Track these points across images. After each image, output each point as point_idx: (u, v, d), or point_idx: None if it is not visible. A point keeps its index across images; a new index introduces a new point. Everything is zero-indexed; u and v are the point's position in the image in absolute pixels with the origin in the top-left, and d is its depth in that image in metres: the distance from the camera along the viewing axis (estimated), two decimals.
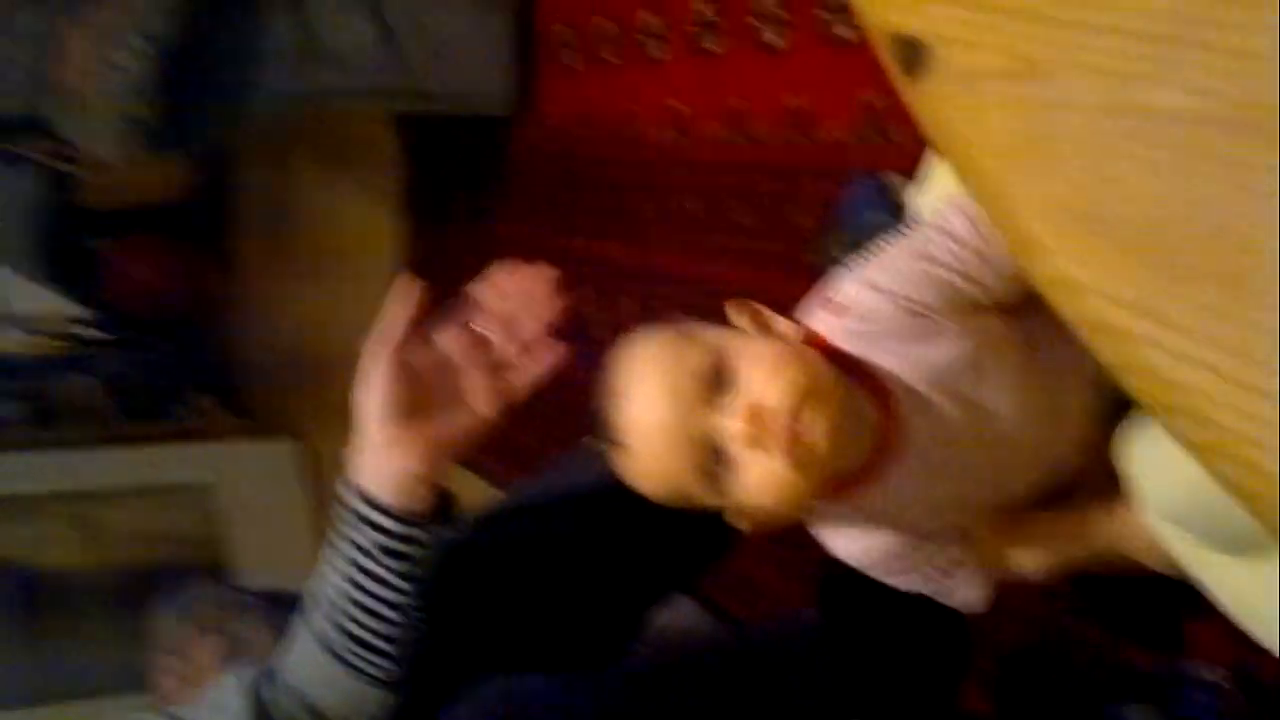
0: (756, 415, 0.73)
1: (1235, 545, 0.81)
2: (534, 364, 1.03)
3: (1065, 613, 1.22)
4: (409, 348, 0.99)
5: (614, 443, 0.79)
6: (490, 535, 1.11)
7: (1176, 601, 1.02)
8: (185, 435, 2.88)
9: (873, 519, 0.87)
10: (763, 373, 0.75)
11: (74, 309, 3.34)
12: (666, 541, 1.13)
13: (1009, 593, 1.26)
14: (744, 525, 0.83)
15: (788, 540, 1.39)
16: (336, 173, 2.88)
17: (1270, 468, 0.35)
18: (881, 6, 0.49)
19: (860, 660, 1.35)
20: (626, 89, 1.90)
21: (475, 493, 1.37)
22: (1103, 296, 0.39)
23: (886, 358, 0.83)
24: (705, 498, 0.79)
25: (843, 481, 0.84)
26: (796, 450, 0.73)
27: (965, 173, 0.44)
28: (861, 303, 0.83)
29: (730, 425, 0.74)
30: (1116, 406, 0.91)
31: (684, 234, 1.81)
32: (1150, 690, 1.01)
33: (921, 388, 0.82)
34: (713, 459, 0.76)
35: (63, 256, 3.09)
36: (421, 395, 0.99)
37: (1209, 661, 1.03)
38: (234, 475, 2.50)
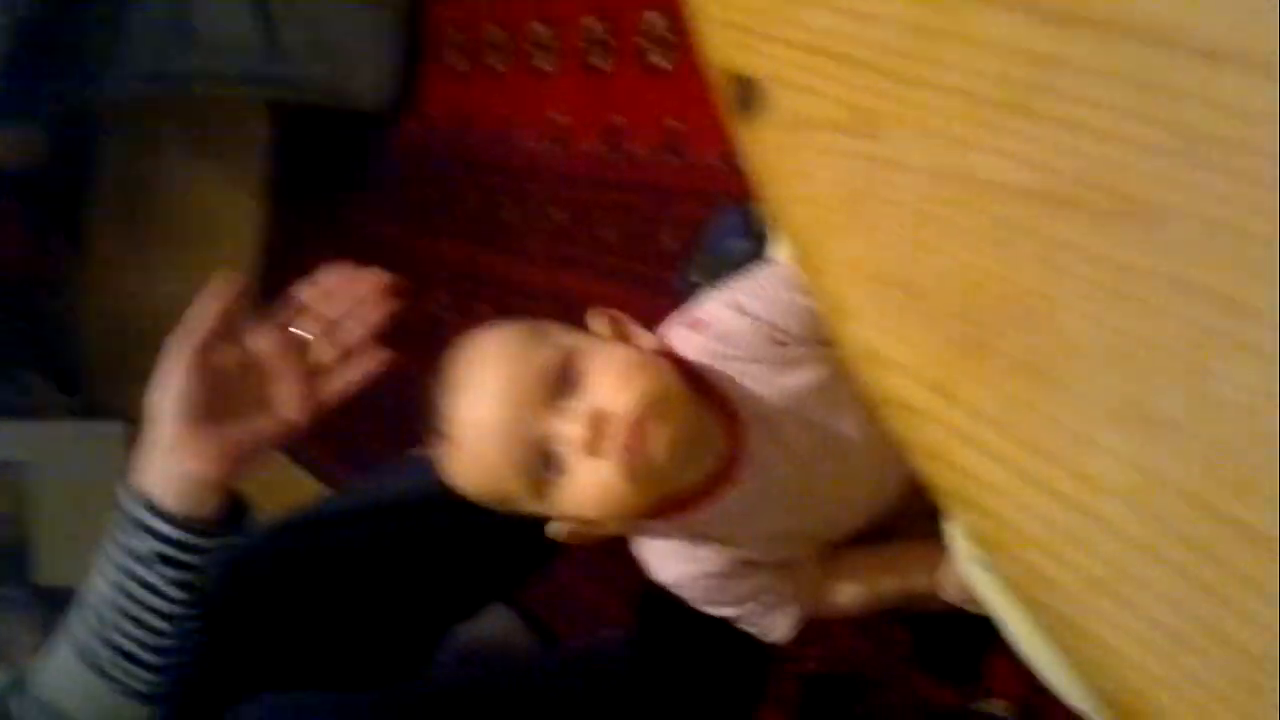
0: (598, 421, 0.71)
1: None
2: (350, 371, 0.98)
3: (871, 643, 1.22)
4: (215, 345, 0.92)
5: (440, 435, 0.75)
6: (286, 543, 1.05)
7: (977, 638, 1.02)
8: (6, 411, 2.72)
9: (700, 543, 0.85)
10: (612, 379, 0.73)
11: None
12: (483, 553, 1.08)
13: (817, 622, 1.26)
14: (564, 535, 0.80)
15: (613, 556, 1.35)
16: (205, 156, 2.77)
17: (1049, 572, 0.33)
18: (723, 41, 0.46)
19: (666, 680, 1.33)
20: (509, 97, 1.86)
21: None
22: (904, 372, 0.36)
23: (744, 380, 0.81)
24: (527, 502, 0.75)
25: (676, 501, 0.81)
26: (633, 460, 0.71)
27: (784, 223, 0.42)
28: (725, 323, 0.82)
29: (568, 429, 0.71)
30: None
31: (550, 246, 1.78)
32: None
33: (774, 414, 0.81)
34: (542, 463, 0.73)
35: None
36: (222, 396, 0.92)
37: (1001, 697, 1.03)
38: (53, 456, 2.36)
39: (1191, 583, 0.30)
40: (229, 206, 2.63)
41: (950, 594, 0.90)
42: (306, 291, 0.99)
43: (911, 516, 0.94)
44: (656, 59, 1.59)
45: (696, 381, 0.79)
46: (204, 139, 2.75)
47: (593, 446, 0.71)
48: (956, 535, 0.90)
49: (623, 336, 0.80)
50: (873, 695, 1.21)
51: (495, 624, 1.48)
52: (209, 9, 1.76)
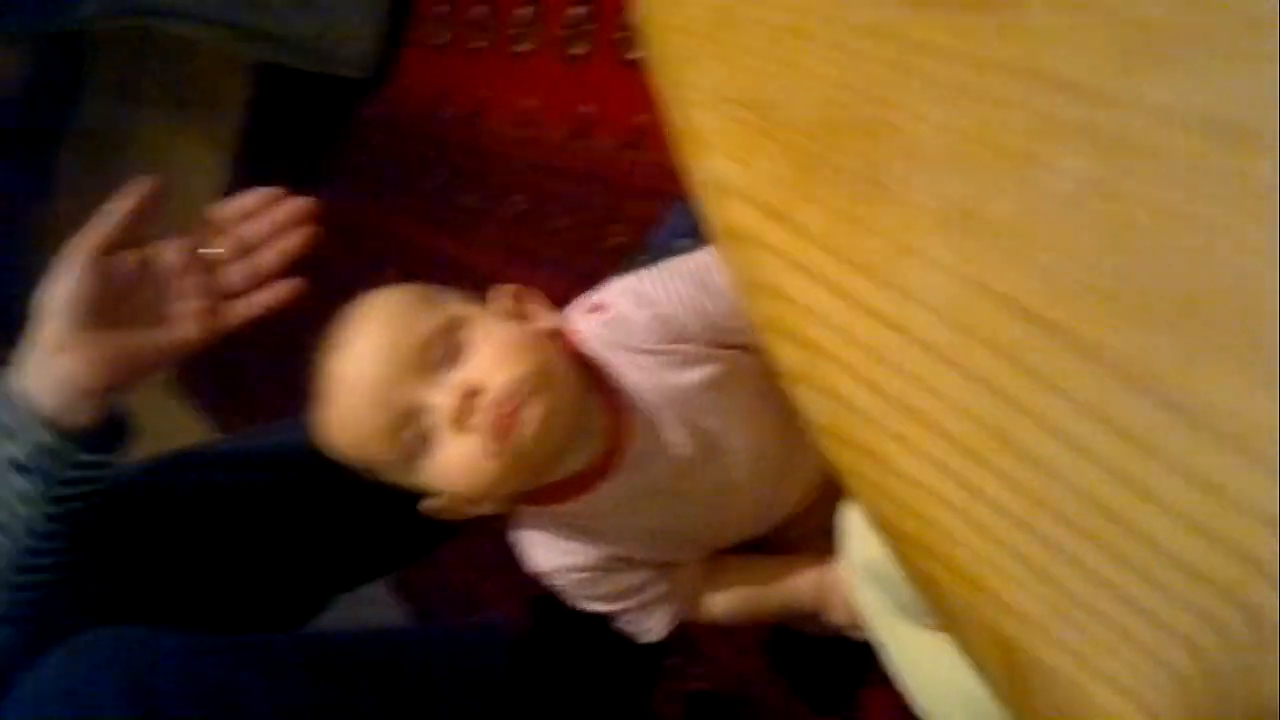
0: (469, 395, 0.68)
1: (924, 614, 0.79)
2: (258, 297, 0.93)
3: (758, 664, 1.19)
4: (115, 248, 0.87)
5: (319, 386, 0.72)
6: (166, 478, 1.00)
7: (856, 666, 0.99)
8: None
9: (574, 534, 0.81)
10: (491, 354, 0.70)
11: None
12: (365, 521, 1.05)
13: (704, 637, 1.23)
14: (434, 510, 0.76)
15: (503, 547, 1.31)
16: (182, 111, 2.74)
17: (857, 400, 0.29)
18: None
19: (548, 683, 1.29)
20: (486, 78, 1.85)
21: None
22: (744, 198, 0.33)
23: (632, 371, 0.78)
24: (394, 470, 0.72)
25: (551, 488, 0.78)
26: (500, 439, 0.68)
27: (655, 59, 0.39)
28: (621, 310, 0.79)
29: (439, 400, 0.69)
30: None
31: (504, 234, 1.75)
32: None
33: (660, 408, 0.78)
34: (411, 432, 0.70)
35: None
36: (116, 303, 0.87)
37: None
38: None
39: (995, 394, 0.27)
40: (199, 163, 2.60)
41: (836, 615, 0.87)
42: (224, 210, 0.95)
43: (805, 530, 0.90)
44: (634, 53, 1.58)
45: (587, 369, 0.77)
46: (184, 95, 2.72)
47: (460, 420, 0.68)
48: (848, 549, 0.88)
49: (521, 314, 0.77)
50: (754, 717, 1.17)
51: (372, 606, 1.43)
52: None
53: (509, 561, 1.52)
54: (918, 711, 0.81)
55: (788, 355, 0.32)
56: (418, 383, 0.69)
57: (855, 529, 0.86)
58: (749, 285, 0.33)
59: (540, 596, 1.25)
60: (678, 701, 1.27)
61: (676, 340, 0.79)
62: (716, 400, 0.80)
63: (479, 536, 1.42)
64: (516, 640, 1.29)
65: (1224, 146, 0.24)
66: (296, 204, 0.94)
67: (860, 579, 0.86)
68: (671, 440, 0.79)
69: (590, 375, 0.76)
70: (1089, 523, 0.24)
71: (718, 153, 0.35)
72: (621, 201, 1.56)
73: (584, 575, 0.82)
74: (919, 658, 0.82)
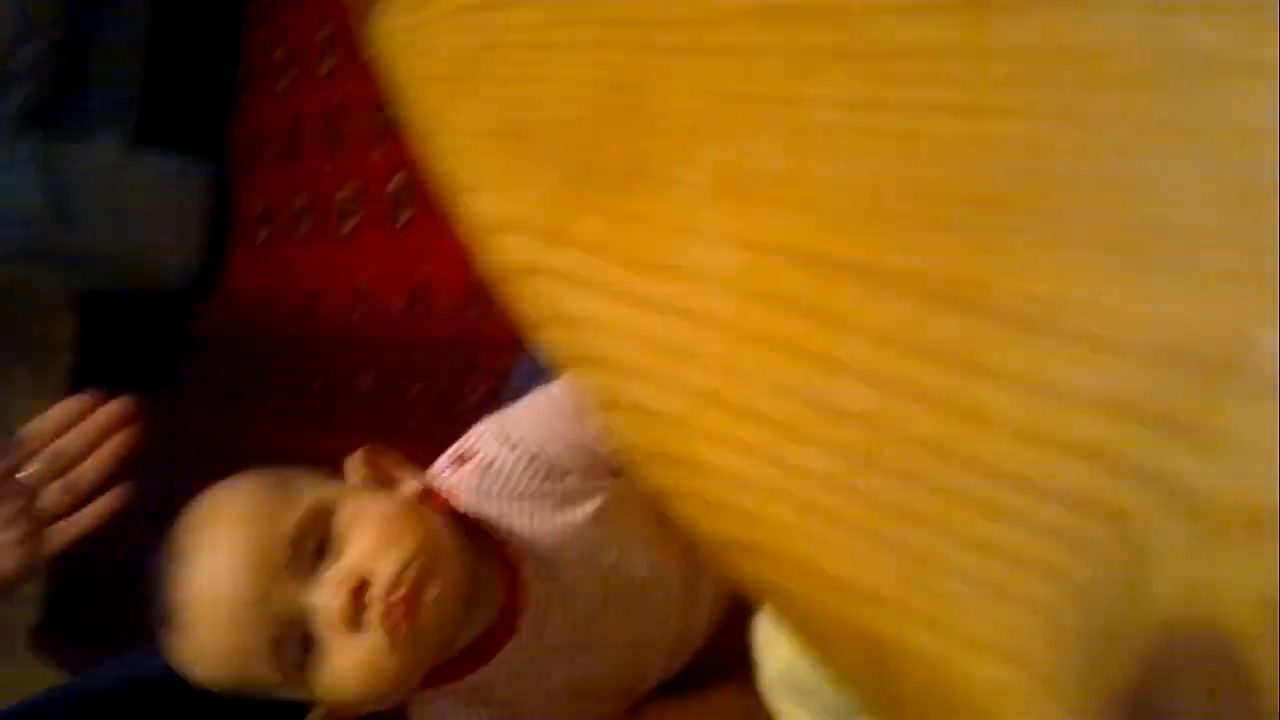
0: (359, 590, 0.61)
1: (847, 715, 0.75)
2: (84, 516, 0.86)
3: None
4: None
5: (166, 613, 0.63)
6: None
7: None
8: None
9: (483, 708, 0.74)
10: (370, 538, 0.63)
11: None
12: None
13: None
14: (329, 717, 0.69)
15: None
16: (11, 362, 2.65)
17: (658, 405, 0.26)
18: None
19: None
20: (316, 265, 1.83)
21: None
22: (519, 228, 0.30)
23: (515, 519, 0.73)
24: (277, 688, 0.65)
25: (451, 664, 0.72)
26: (399, 630, 0.61)
27: (413, 112, 0.36)
28: (490, 455, 0.75)
29: (324, 601, 0.62)
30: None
31: (358, 415, 1.70)
32: None
33: (552, 553, 0.73)
34: (295, 643, 0.62)
35: None
36: None
37: None
38: None
39: (799, 356, 0.23)
40: (35, 411, 2.49)
41: None
42: (35, 427, 0.89)
43: (722, 658, 0.86)
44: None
45: (467, 526, 0.72)
46: (11, 344, 2.63)
47: (351, 620, 0.62)
48: (759, 665, 0.83)
49: (383, 480, 0.71)
50: None
51: None
52: None
53: None
54: None
55: (592, 382, 0.28)
56: (292, 586, 0.62)
57: (761, 642, 0.82)
58: (540, 321, 0.30)
59: None
60: None
61: (553, 477, 0.74)
62: (609, 532, 0.75)
63: None
64: None
65: (972, 27, 0.22)
66: (112, 407, 0.87)
67: (776, 695, 0.81)
68: (571, 584, 0.74)
69: (472, 532, 0.71)
70: (921, 467, 0.21)
71: (480, 190, 0.32)
72: (474, 357, 1.53)
73: None
74: None
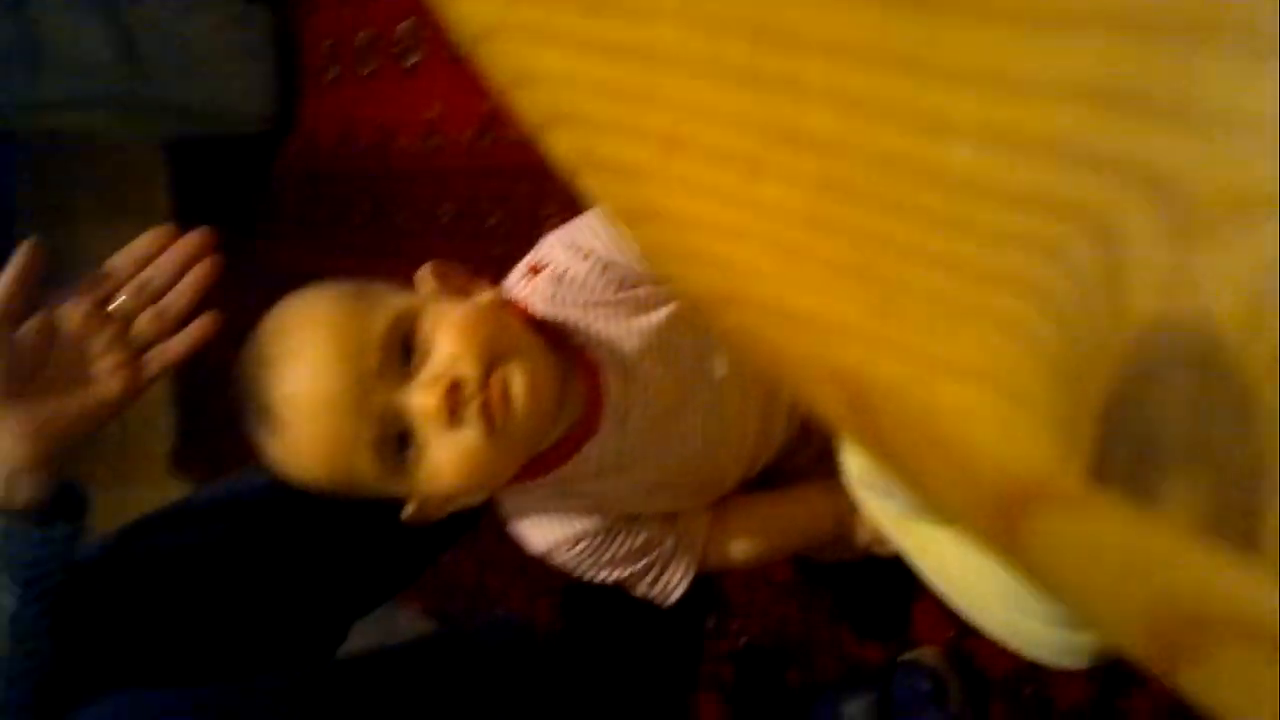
0: (452, 388, 0.63)
1: (927, 509, 0.74)
2: (175, 343, 0.90)
3: (797, 608, 1.15)
4: (9, 319, 0.84)
5: (262, 413, 0.66)
6: (139, 544, 0.97)
7: (897, 586, 0.95)
8: None
9: (571, 502, 0.77)
10: (454, 337, 0.65)
11: None
12: (360, 546, 1.02)
13: (734, 592, 1.19)
14: (418, 512, 0.72)
15: (507, 544, 1.26)
16: (116, 214, 2.73)
17: (630, 158, 0.24)
18: None
19: (592, 674, 1.25)
20: (385, 102, 1.82)
21: None
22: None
23: (593, 324, 0.74)
24: (375, 483, 0.67)
25: (538, 461, 0.74)
26: (494, 417, 0.63)
27: None
28: (562, 265, 0.75)
29: (419, 401, 0.64)
30: None
31: (444, 244, 1.72)
32: (871, 681, 0.92)
33: (629, 356, 0.74)
34: (394, 439, 0.65)
35: None
36: (26, 373, 0.84)
37: (929, 644, 0.95)
38: None
39: (756, 81, 0.21)
40: None
41: (858, 535, 0.83)
42: (121, 259, 0.92)
43: (806, 458, 0.87)
44: None
45: (544, 331, 0.73)
46: (113, 200, 2.70)
47: (449, 415, 0.63)
48: (845, 464, 0.83)
49: (455, 291, 0.72)
50: (804, 661, 1.13)
51: (404, 626, 1.40)
52: (60, 30, 1.69)
53: (512, 556, 1.49)
54: (958, 613, 0.76)
55: (559, 142, 0.27)
56: (387, 387, 0.65)
57: (846, 443, 0.82)
58: (508, 84, 0.28)
59: (569, 588, 1.21)
60: (725, 662, 1.23)
61: (625, 285, 0.75)
62: (686, 337, 0.76)
63: (479, 534, 1.38)
64: (552, 635, 1.26)
65: None
66: (191, 238, 0.90)
67: (862, 491, 0.82)
68: (649, 385, 0.75)
69: (550, 337, 0.72)
70: (884, 188, 0.19)
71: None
72: (545, 182, 1.52)
73: (587, 544, 0.77)
74: (941, 556, 0.78)
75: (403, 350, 0.67)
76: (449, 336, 0.67)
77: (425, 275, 0.73)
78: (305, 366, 0.67)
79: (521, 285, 0.77)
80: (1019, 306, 0.17)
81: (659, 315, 0.76)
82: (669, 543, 0.81)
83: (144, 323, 0.89)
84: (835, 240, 0.19)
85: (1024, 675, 0.90)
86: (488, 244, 1.62)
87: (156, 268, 0.91)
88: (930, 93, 0.18)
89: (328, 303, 0.69)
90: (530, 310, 0.75)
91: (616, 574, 0.80)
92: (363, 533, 1.02)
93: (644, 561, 0.80)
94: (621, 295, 0.76)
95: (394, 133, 1.79)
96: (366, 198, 1.89)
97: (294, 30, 2.00)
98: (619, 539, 0.79)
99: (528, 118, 0.28)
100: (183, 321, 0.92)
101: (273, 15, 1.97)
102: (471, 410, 0.65)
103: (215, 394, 2.56)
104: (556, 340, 0.74)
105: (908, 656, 0.97)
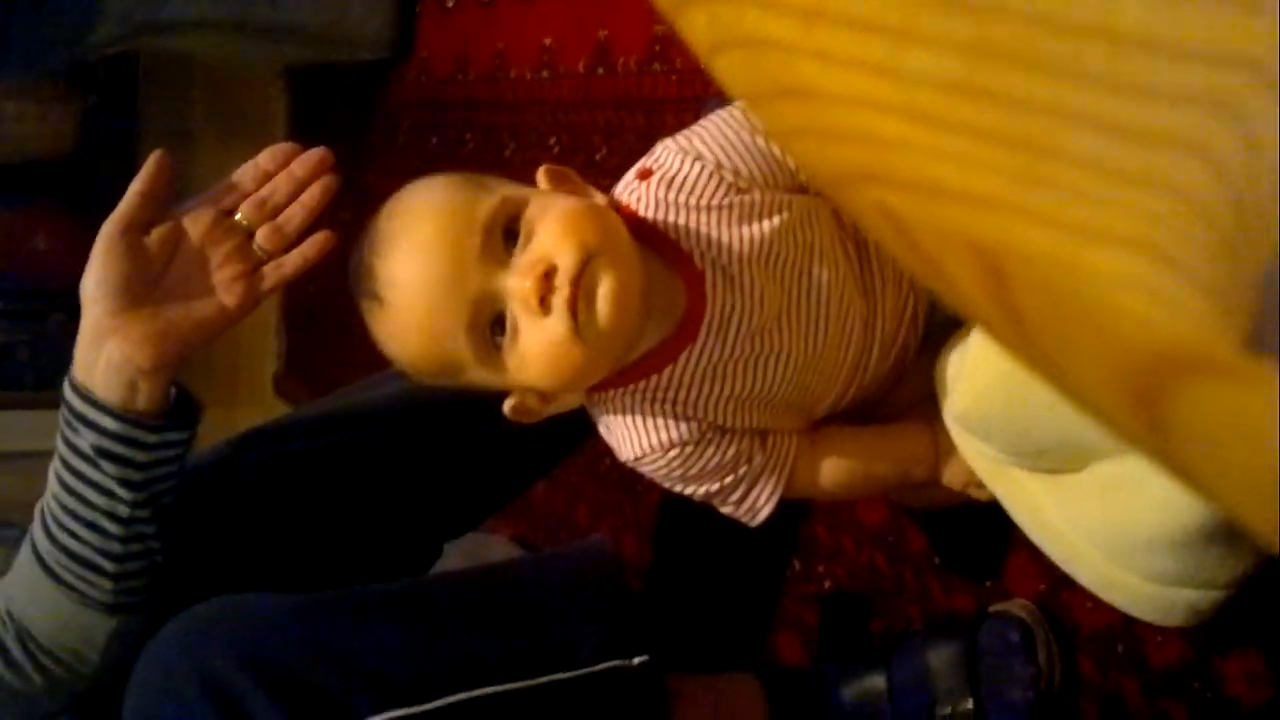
0: (546, 274, 0.64)
1: (1031, 456, 0.73)
2: (292, 257, 0.92)
3: (884, 554, 1.14)
4: (137, 227, 0.87)
5: (370, 297, 0.68)
6: (250, 452, 1.00)
7: (989, 535, 0.94)
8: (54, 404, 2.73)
9: (664, 410, 0.77)
10: (556, 228, 0.66)
11: None
12: (455, 461, 1.04)
13: (821, 535, 1.18)
14: (512, 409, 0.73)
15: (597, 480, 1.28)
16: (233, 136, 2.79)
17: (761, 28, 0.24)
18: None
19: (678, 604, 1.26)
20: (501, 29, 1.82)
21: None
22: None
23: (699, 229, 0.74)
24: (473, 368, 0.69)
25: (633, 366, 0.75)
26: (581, 313, 0.65)
27: None
28: (674, 169, 0.75)
29: (516, 284, 0.65)
30: (933, 326, 0.84)
31: None
32: (958, 631, 0.91)
33: (734, 264, 0.74)
34: (489, 322, 0.66)
35: None
36: (150, 280, 0.87)
37: (1020, 596, 0.94)
38: None
39: None
40: None
41: (952, 478, 0.82)
42: (242, 175, 0.94)
43: (900, 399, 0.86)
44: None
45: (650, 236, 0.73)
46: (229, 122, 2.76)
47: (539, 302, 0.65)
48: (947, 400, 0.82)
49: (569, 192, 0.73)
50: (890, 608, 1.13)
51: (494, 553, 1.43)
52: None
53: (600, 489, 1.51)
54: (1054, 560, 0.74)
55: (696, 19, 0.26)
56: (487, 269, 0.66)
57: (948, 377, 0.80)
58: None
59: (657, 525, 1.22)
60: (811, 605, 1.23)
61: (736, 189, 0.74)
62: (793, 248, 0.75)
63: (566, 470, 1.39)
64: (642, 569, 1.27)
65: None
66: (310, 156, 0.91)
67: (961, 433, 0.81)
68: (753, 295, 0.74)
69: (656, 241, 0.73)
70: (1040, 50, 0.19)
71: None
72: (656, 116, 1.51)
73: (677, 452, 0.77)
74: (1039, 503, 0.76)
75: (506, 235, 0.68)
76: (552, 225, 0.67)
77: (541, 175, 0.74)
78: (409, 247, 0.68)
79: (632, 188, 0.77)
80: (1184, 169, 0.17)
81: (769, 224, 0.76)
82: (758, 459, 0.80)
83: (263, 236, 0.92)
84: (985, 107, 0.19)
85: (1117, 632, 0.88)
86: (597, 176, 1.61)
87: (276, 184, 0.92)
88: None
89: (439, 187, 0.71)
90: (638, 214, 0.75)
91: (705, 488, 0.80)
92: (464, 448, 1.04)
93: (732, 477, 0.79)
94: (731, 199, 0.75)
95: (508, 62, 1.79)
96: (478, 127, 1.90)
97: None
98: (709, 450, 0.79)
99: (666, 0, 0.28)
100: (299, 238, 0.94)
101: None
102: (560, 299, 0.66)
103: (321, 319, 2.61)
104: (661, 246, 0.74)
105: (997, 607, 0.96)
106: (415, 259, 0.68)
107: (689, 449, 0.77)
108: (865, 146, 0.22)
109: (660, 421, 0.78)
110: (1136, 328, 0.17)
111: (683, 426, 0.77)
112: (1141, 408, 0.18)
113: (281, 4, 1.82)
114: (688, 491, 0.80)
